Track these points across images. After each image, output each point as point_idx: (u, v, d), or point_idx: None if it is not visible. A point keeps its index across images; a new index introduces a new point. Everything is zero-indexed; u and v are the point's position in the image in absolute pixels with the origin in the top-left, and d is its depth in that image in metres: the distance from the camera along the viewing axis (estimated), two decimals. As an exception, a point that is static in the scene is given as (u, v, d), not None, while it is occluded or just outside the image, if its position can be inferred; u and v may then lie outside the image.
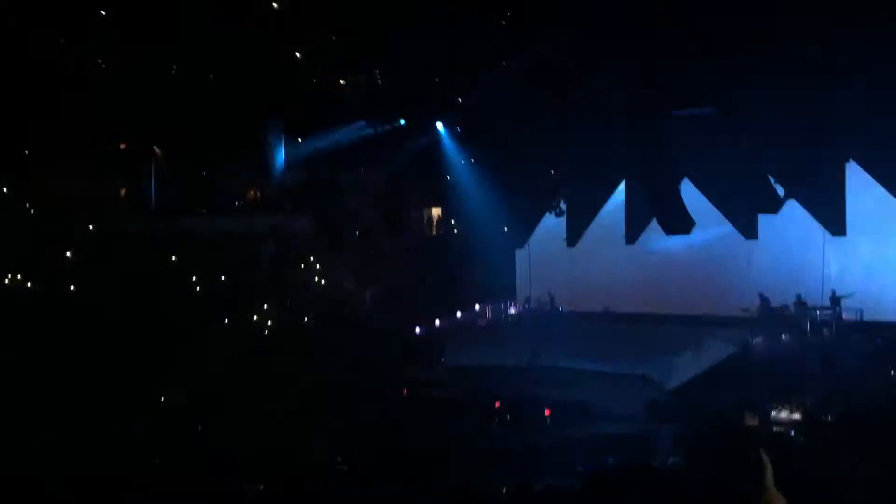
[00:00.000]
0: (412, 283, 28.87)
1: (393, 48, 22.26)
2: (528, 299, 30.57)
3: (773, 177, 22.37)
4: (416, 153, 26.66)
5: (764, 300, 25.33)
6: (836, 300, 23.86)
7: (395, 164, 27.36)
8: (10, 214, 21.02)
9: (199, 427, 20.03)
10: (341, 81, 25.15)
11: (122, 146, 23.94)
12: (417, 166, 27.81)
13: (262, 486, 15.34)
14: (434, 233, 32.16)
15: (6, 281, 20.50)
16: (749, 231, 27.35)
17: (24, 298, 20.06)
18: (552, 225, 30.73)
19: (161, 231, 22.78)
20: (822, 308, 24.08)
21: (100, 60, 22.74)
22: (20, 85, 20.70)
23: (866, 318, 24.15)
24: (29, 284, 20.29)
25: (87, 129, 21.60)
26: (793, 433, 18.36)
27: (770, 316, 24.86)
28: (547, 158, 28.16)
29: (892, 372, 19.67)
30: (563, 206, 29.62)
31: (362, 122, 24.62)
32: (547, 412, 21.56)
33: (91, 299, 20.76)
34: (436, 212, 32.24)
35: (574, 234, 30.07)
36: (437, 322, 28.43)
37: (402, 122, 25.40)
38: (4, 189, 22.10)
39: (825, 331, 23.65)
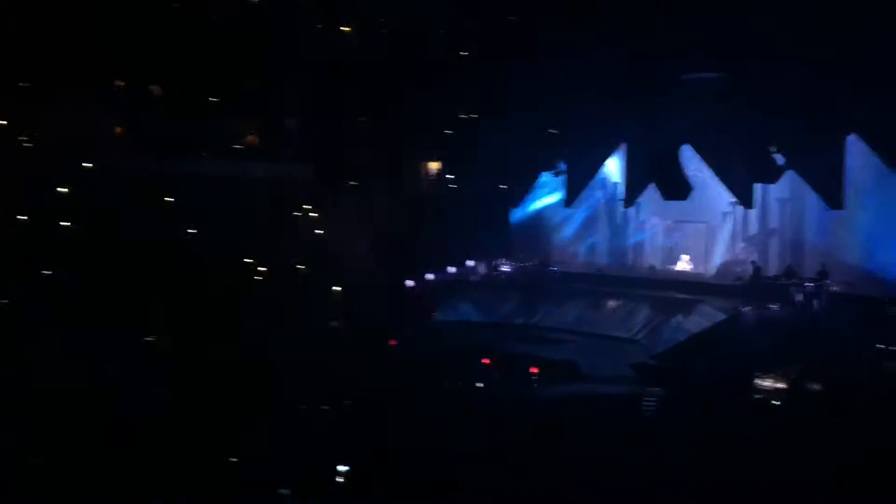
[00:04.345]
0: (406, 236, 28.80)
1: None
2: (521, 258, 30.60)
3: (772, 147, 22.31)
4: (418, 105, 26.39)
5: (757, 269, 25.38)
6: (824, 273, 23.94)
7: (396, 115, 27.11)
8: (6, 149, 20.84)
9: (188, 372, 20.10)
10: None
11: (121, 84, 23.64)
12: (418, 119, 27.56)
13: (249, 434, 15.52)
14: (431, 187, 31.98)
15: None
16: (746, 200, 27.40)
17: (17, 234, 19.99)
18: (549, 184, 30.72)
19: (156, 171, 22.60)
20: (813, 280, 24.12)
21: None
22: (19, 20, 20.42)
23: (857, 291, 24.22)
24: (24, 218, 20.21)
25: (84, 66, 21.33)
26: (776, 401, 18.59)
27: (761, 285, 24.92)
28: (548, 118, 27.95)
29: (877, 345, 19.79)
30: (562, 166, 29.52)
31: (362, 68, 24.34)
32: (534, 370, 21.72)
33: (83, 238, 20.68)
34: (434, 166, 32.06)
35: (572, 195, 30.10)
36: (430, 276, 28.43)
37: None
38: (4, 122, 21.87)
39: (815, 302, 23.74)
